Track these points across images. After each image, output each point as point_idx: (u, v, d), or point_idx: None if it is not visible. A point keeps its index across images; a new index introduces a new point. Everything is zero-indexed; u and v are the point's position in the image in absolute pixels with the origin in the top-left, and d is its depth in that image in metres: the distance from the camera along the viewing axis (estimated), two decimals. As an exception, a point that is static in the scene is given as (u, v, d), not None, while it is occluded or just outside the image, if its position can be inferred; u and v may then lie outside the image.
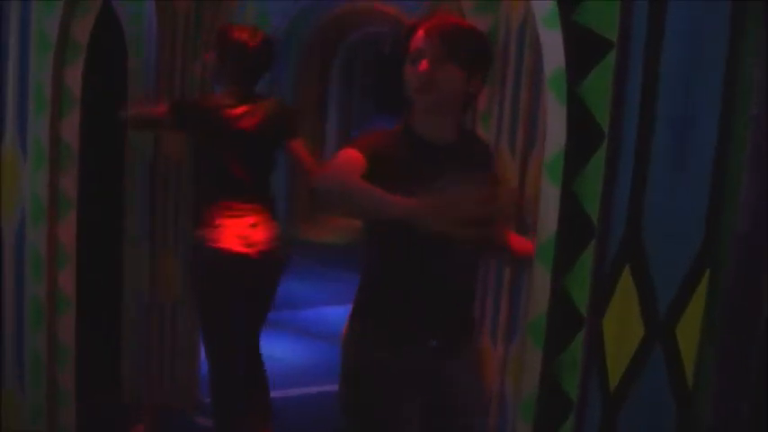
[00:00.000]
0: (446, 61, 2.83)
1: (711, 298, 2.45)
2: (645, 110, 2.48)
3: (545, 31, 2.81)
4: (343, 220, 12.06)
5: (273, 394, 4.77)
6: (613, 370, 2.56)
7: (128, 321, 5.08)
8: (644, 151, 2.48)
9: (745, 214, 2.37)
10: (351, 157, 2.87)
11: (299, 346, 6.79)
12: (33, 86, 3.63)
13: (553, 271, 2.75)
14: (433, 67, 2.83)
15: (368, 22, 12.46)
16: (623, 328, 2.53)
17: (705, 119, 2.45)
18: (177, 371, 5.20)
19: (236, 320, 4.56)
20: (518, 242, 3.19)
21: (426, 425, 3.04)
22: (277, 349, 6.39)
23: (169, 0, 5.08)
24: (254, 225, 4.34)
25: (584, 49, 2.64)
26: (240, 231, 4.29)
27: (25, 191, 3.68)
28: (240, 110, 4.37)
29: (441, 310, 2.95)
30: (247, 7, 7.61)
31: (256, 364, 4.70)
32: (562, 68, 2.69)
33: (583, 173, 2.67)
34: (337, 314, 7.90)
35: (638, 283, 2.50)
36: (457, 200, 2.57)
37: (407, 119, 3.02)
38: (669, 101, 2.47)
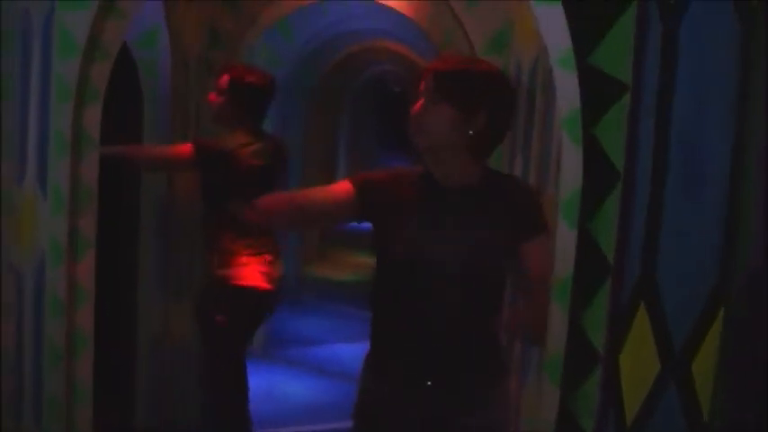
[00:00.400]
0: (438, 102, 2.71)
1: (726, 334, 2.48)
2: (658, 149, 2.53)
3: (560, 72, 2.83)
4: (353, 258, 12.11)
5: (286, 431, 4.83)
6: (629, 406, 2.58)
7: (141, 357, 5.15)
8: (658, 190, 2.52)
9: (757, 250, 2.41)
10: (331, 189, 2.93)
11: (312, 383, 6.80)
12: (53, 130, 3.68)
13: (570, 309, 2.78)
14: (424, 109, 2.74)
15: (378, 62, 12.55)
16: (639, 364, 2.55)
17: (717, 157, 2.48)
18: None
19: (247, 350, 4.76)
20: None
21: None
22: (290, 387, 6.44)
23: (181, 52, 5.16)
24: (272, 262, 4.45)
25: (598, 90, 2.69)
26: (262, 268, 4.40)
27: (44, 232, 3.73)
28: (255, 147, 4.45)
29: (441, 352, 2.80)
30: (262, 48, 7.68)
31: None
32: (577, 109, 2.73)
33: (598, 212, 2.70)
34: (350, 352, 7.93)
35: (654, 320, 2.52)
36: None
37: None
38: (681, 140, 2.52)
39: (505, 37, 4.35)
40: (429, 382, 2.80)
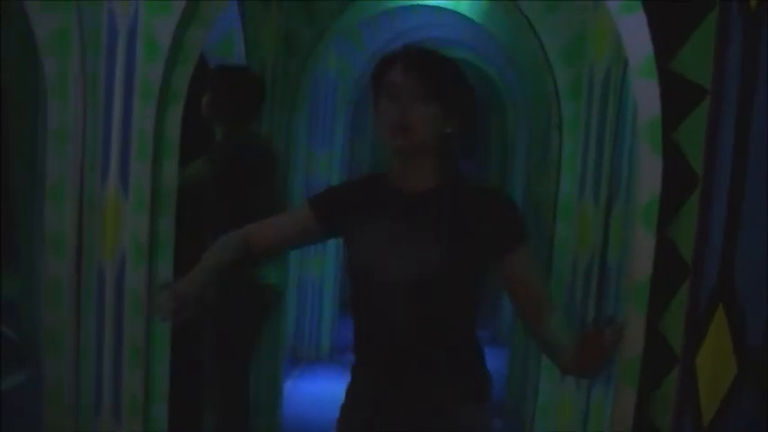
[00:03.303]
0: (425, 100, 2.61)
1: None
2: (737, 154, 2.54)
3: (640, 80, 2.85)
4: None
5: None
6: (706, 408, 2.59)
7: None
8: (737, 194, 2.53)
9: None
10: (290, 214, 3.03)
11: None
12: (136, 131, 3.76)
13: (649, 312, 2.79)
14: (410, 107, 2.61)
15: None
16: (716, 366, 2.56)
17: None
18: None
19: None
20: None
21: None
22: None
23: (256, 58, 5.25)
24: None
25: (679, 96, 2.70)
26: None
27: (125, 232, 3.81)
28: (259, 144, 4.57)
29: (397, 366, 2.73)
30: (333, 56, 7.77)
31: None
32: (657, 116, 2.75)
33: (677, 216, 2.72)
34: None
35: (731, 322, 2.53)
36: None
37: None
38: (761, 145, 2.52)
39: (580, 46, 4.37)
40: (386, 391, 2.75)
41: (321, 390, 7.58)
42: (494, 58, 7.97)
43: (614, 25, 3.03)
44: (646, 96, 2.82)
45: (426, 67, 2.64)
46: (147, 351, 3.93)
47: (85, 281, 3.85)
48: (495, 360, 7.73)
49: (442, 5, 7.04)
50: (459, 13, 6.84)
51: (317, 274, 8.54)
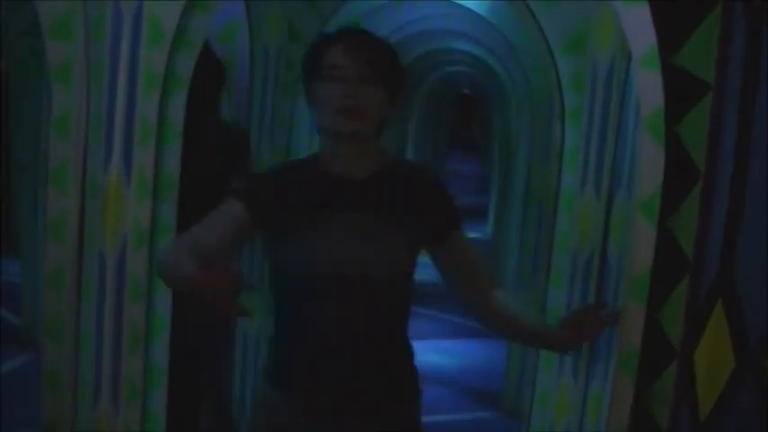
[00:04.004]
0: (373, 84, 2.54)
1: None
2: (740, 148, 2.54)
3: (643, 72, 2.86)
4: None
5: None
6: (704, 401, 2.60)
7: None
8: (739, 188, 2.54)
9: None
10: (220, 213, 2.62)
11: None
12: (139, 117, 3.77)
13: (648, 305, 2.80)
14: (360, 92, 2.52)
15: (450, 63, 12.58)
16: (714, 360, 2.57)
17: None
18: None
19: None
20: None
21: None
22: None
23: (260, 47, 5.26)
24: None
25: (682, 90, 2.70)
26: None
27: (127, 217, 3.81)
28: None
29: (337, 362, 2.62)
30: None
31: None
32: (659, 109, 2.75)
33: (678, 210, 2.73)
34: (417, 348, 8.00)
35: (730, 316, 2.54)
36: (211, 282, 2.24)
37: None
38: (763, 139, 2.53)
39: (583, 38, 4.37)
40: (334, 395, 2.64)
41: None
42: (497, 50, 7.95)
43: (618, 17, 3.03)
44: (648, 89, 2.83)
45: (371, 50, 2.57)
46: (147, 338, 3.94)
47: (86, 267, 3.85)
48: (492, 351, 7.81)
49: (445, -4, 7.05)
50: (462, 5, 6.83)
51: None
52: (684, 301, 2.68)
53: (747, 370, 2.54)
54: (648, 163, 2.86)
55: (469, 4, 6.74)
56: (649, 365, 2.82)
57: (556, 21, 4.49)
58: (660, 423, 2.81)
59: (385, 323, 2.70)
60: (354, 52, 2.53)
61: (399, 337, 2.78)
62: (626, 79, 4.06)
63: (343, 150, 2.62)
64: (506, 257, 8.54)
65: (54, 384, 3.86)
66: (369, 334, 2.64)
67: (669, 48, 2.72)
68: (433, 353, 8.11)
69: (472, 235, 15.74)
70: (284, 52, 5.56)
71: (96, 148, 3.79)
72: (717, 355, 2.57)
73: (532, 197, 6.95)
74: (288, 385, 2.69)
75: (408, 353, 2.82)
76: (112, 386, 3.94)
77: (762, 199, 2.51)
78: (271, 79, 5.45)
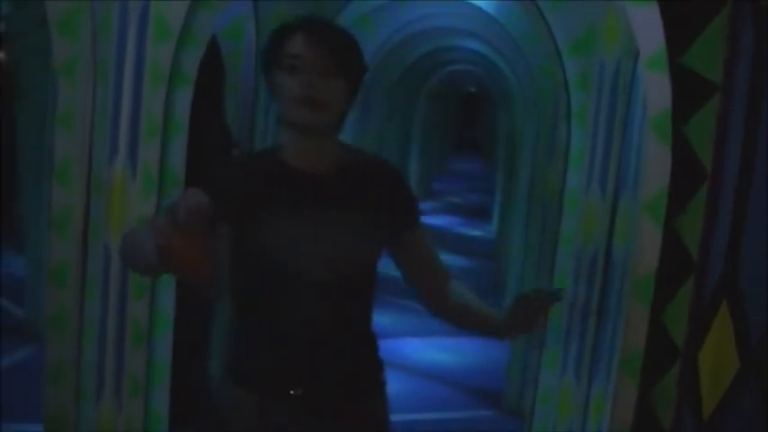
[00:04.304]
0: (334, 75, 2.45)
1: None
2: (746, 150, 2.55)
3: (650, 73, 2.85)
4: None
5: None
6: (707, 402, 2.60)
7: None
8: (744, 189, 2.54)
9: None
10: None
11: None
12: (145, 113, 3.77)
13: (653, 305, 2.80)
14: (321, 82, 2.44)
15: (456, 61, 12.59)
16: (718, 361, 2.57)
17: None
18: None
19: None
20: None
21: None
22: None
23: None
24: None
25: (689, 90, 2.70)
26: None
27: (132, 212, 3.81)
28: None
29: (305, 359, 2.56)
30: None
31: None
32: (667, 109, 2.75)
33: (684, 210, 2.73)
34: (412, 345, 8.04)
35: (735, 317, 2.54)
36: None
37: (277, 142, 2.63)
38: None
39: (590, 38, 4.37)
40: (292, 392, 2.55)
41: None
42: (503, 49, 7.95)
43: (626, 18, 3.03)
44: (656, 89, 2.82)
45: (333, 40, 2.49)
46: (150, 335, 3.94)
47: (91, 262, 3.85)
48: (494, 350, 7.81)
49: (452, -5, 7.06)
50: (469, 3, 6.83)
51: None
52: (689, 302, 2.68)
53: (751, 370, 2.54)
54: (655, 163, 2.86)
55: (477, 3, 6.74)
56: (653, 366, 2.82)
57: (563, 21, 4.49)
58: (663, 423, 2.81)
59: (352, 317, 2.64)
60: (315, 42, 2.45)
61: (365, 329, 2.71)
62: (632, 80, 4.06)
63: (305, 143, 2.54)
64: (510, 257, 8.56)
65: (57, 379, 3.87)
66: (336, 329, 2.58)
67: (677, 48, 2.72)
68: (434, 350, 8.12)
69: (476, 234, 15.76)
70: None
71: (102, 144, 3.79)
72: (721, 356, 2.57)
73: (536, 197, 6.95)
74: (252, 383, 2.61)
75: (373, 345, 2.74)
76: (115, 382, 3.94)
77: (767, 200, 2.51)
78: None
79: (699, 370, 2.63)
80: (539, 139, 7.04)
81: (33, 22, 7.47)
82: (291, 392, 2.55)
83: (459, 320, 2.90)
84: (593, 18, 4.35)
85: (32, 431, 4.72)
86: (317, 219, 2.51)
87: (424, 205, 14.87)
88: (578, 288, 4.28)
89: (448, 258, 12.75)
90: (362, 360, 2.70)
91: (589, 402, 4.17)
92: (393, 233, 2.67)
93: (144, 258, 2.19)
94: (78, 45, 3.72)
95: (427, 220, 12.41)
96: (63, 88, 3.78)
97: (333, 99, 2.47)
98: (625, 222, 4.03)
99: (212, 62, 4.61)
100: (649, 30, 2.80)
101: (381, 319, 8.79)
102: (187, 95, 3.90)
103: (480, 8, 6.74)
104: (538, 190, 6.96)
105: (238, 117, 5.41)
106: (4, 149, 8.81)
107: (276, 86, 2.51)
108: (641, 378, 2.84)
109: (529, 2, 4.51)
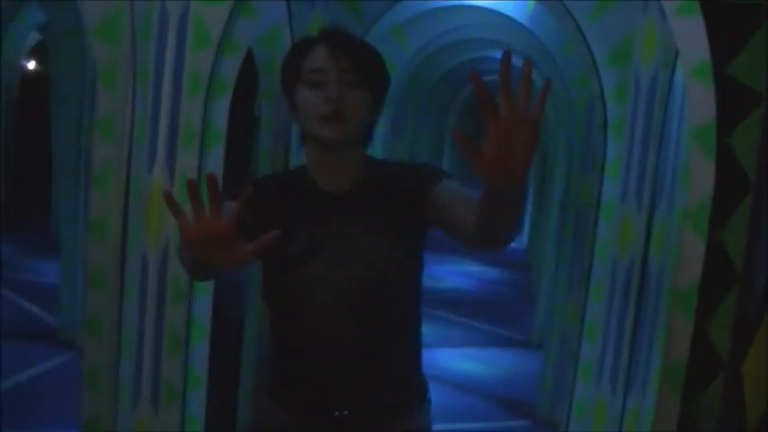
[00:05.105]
0: (358, 87, 2.33)
1: None
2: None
3: (693, 83, 2.84)
4: (453, 264, 12.11)
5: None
6: (751, 414, 2.59)
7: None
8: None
9: None
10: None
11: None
12: (183, 120, 3.78)
13: (697, 315, 2.78)
14: (344, 95, 2.30)
15: (488, 71, 12.56)
16: (762, 373, 2.56)
17: None
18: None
19: None
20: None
21: None
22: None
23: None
24: None
25: (733, 100, 2.69)
26: None
27: (170, 219, 3.82)
28: None
29: (344, 382, 2.43)
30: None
31: None
32: (709, 120, 2.74)
33: (728, 221, 2.71)
34: (449, 356, 8.02)
35: (780, 330, 2.54)
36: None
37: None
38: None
39: (627, 49, 4.35)
40: (337, 413, 2.43)
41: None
42: (537, 60, 7.94)
43: (665, 28, 3.02)
44: (699, 100, 2.81)
45: (357, 52, 2.37)
46: (186, 341, 3.95)
47: (128, 268, 3.87)
48: (528, 362, 7.79)
49: (485, 6, 7.02)
50: (503, 14, 6.81)
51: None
52: (732, 313, 2.67)
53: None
54: (697, 174, 2.84)
55: (510, 13, 6.73)
56: (696, 378, 2.80)
57: (600, 31, 4.48)
58: (706, 435, 2.79)
59: (386, 337, 2.47)
60: (339, 54, 2.32)
61: (404, 348, 2.54)
62: (669, 90, 4.04)
63: (331, 159, 2.42)
64: (542, 267, 8.53)
65: (94, 384, 3.89)
66: (368, 351, 2.43)
67: (722, 58, 2.70)
68: (465, 361, 8.10)
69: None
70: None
71: (140, 150, 3.81)
72: (765, 368, 2.56)
73: (569, 207, 6.92)
74: (285, 403, 2.52)
75: (414, 364, 2.59)
76: (152, 388, 3.96)
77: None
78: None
79: (742, 382, 2.62)
80: (572, 149, 7.02)
81: (67, 30, 7.54)
82: (337, 414, 2.43)
83: (486, 226, 2.30)
84: (630, 29, 4.34)
85: (67, 437, 4.76)
86: (343, 237, 2.39)
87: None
88: (614, 299, 4.26)
89: (478, 270, 12.74)
90: (399, 380, 2.54)
91: (624, 415, 4.15)
92: (422, 202, 2.43)
93: (186, 255, 2.18)
94: (118, 50, 3.74)
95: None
96: (102, 94, 3.80)
97: (358, 113, 2.34)
98: (661, 234, 4.01)
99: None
100: (693, 40, 2.78)
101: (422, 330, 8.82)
102: (226, 102, 3.92)
103: (514, 19, 6.72)
104: (571, 200, 6.94)
105: (273, 123, 5.41)
106: (39, 157, 8.85)
107: (299, 103, 2.37)
108: (684, 390, 2.82)
109: (565, 13, 4.50)
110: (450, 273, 12.07)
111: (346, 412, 2.42)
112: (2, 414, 5.38)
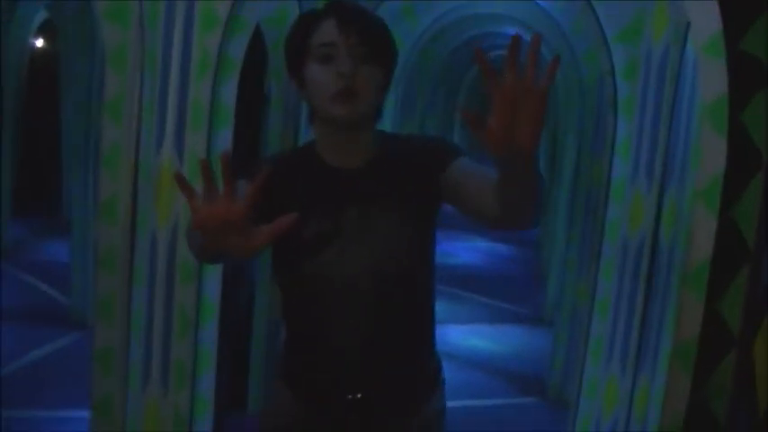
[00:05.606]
0: (370, 62, 2.25)
1: None
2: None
3: (706, 58, 2.81)
4: (464, 240, 12.09)
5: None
6: (762, 392, 2.58)
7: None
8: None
9: None
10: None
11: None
12: (192, 99, 3.77)
13: (708, 293, 2.76)
14: (357, 72, 2.22)
15: (498, 47, 12.52)
16: (774, 353, 2.55)
17: None
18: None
19: None
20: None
21: None
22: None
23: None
24: None
25: (746, 76, 2.66)
26: None
27: (179, 198, 3.81)
28: None
29: (360, 365, 2.40)
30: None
31: None
32: (722, 95, 2.71)
33: (740, 198, 2.69)
34: (460, 333, 8.02)
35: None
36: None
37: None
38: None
39: (638, 26, 4.32)
40: (350, 396, 2.41)
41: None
42: (547, 36, 7.90)
43: (677, 4, 2.99)
44: (712, 75, 2.78)
45: (367, 25, 2.27)
46: (197, 320, 3.95)
47: (138, 249, 3.86)
48: (538, 339, 7.78)
49: (496, -19, 7.00)
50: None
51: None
52: (744, 291, 2.65)
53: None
54: (709, 150, 2.82)
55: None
56: (708, 356, 2.79)
57: (611, 7, 4.44)
58: (718, 416, 2.78)
59: (402, 317, 2.43)
60: (349, 28, 2.23)
61: (419, 329, 2.52)
62: (680, 67, 4.01)
63: (342, 138, 2.35)
64: (553, 245, 8.51)
65: (105, 364, 3.89)
66: (384, 332, 2.40)
67: (735, 32, 2.68)
68: (476, 338, 8.10)
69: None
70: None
71: (149, 132, 3.79)
72: (777, 347, 2.55)
73: (580, 185, 6.90)
74: (299, 387, 2.51)
75: (429, 343, 2.56)
76: (162, 368, 3.96)
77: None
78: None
79: (753, 360, 2.61)
80: (582, 128, 7.00)
81: (75, 12, 7.53)
82: (350, 397, 2.42)
83: (504, 206, 2.22)
84: (641, 7, 4.30)
85: (78, 417, 4.78)
86: (356, 217, 2.34)
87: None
88: (624, 278, 4.24)
89: (490, 246, 12.73)
90: (414, 364, 2.52)
91: (634, 394, 4.14)
92: (435, 181, 2.37)
93: (196, 240, 2.09)
94: (126, 33, 3.73)
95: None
96: (111, 76, 3.79)
97: (370, 89, 2.26)
98: (672, 212, 3.99)
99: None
100: (706, 14, 2.76)
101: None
102: (234, 83, 3.90)
103: (527, -5, 6.69)
104: (581, 178, 6.92)
105: (282, 102, 5.39)
106: (49, 138, 8.86)
107: (308, 80, 2.29)
108: (695, 369, 2.81)
109: (576, -11, 4.47)
110: (460, 249, 12.06)
111: (360, 395, 2.40)
112: (14, 393, 5.40)
